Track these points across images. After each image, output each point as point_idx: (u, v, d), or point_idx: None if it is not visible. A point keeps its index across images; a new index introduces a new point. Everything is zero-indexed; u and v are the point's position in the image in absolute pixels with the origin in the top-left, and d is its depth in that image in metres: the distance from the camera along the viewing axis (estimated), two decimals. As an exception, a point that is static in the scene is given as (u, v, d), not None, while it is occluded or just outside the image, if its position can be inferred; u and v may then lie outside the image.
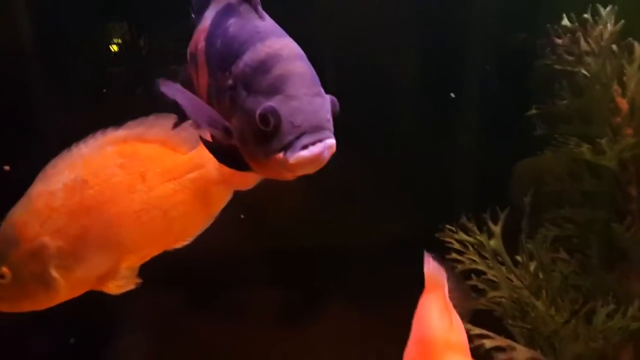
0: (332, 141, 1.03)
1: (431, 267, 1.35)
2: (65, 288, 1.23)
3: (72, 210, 1.24)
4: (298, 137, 1.01)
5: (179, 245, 1.31)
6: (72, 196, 1.24)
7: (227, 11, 1.19)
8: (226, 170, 1.30)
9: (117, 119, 1.34)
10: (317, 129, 1.02)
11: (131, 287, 1.27)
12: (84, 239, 1.24)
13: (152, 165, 1.30)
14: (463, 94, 2.22)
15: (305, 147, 1.01)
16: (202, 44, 1.22)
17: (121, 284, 1.27)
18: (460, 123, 2.27)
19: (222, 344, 2.22)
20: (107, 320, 2.09)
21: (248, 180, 1.33)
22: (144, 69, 2.13)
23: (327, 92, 1.06)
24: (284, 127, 1.02)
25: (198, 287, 2.20)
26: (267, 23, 1.15)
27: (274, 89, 1.05)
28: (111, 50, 2.15)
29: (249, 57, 1.09)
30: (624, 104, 1.84)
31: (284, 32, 1.14)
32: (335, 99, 1.08)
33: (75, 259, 1.23)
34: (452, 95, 2.07)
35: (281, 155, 1.02)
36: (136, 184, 1.27)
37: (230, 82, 1.11)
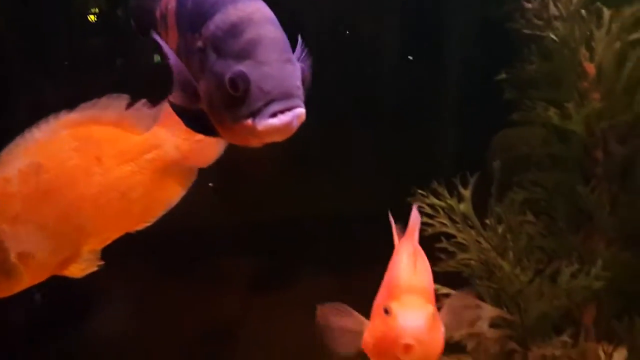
0: (301, 110, 1.01)
1: (413, 217, 1.39)
2: (27, 275, 1.22)
3: (28, 195, 1.22)
4: (267, 104, 1.00)
5: (141, 226, 1.29)
6: (28, 182, 1.22)
7: None
8: (185, 148, 1.29)
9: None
10: (287, 96, 1.01)
11: (94, 269, 1.26)
12: (43, 225, 1.22)
13: (107, 148, 1.28)
14: (437, 62, 2.24)
15: (274, 114, 1.00)
16: (172, 4, 1.20)
17: (83, 267, 1.26)
18: (434, 90, 2.29)
19: (197, 313, 2.24)
20: (81, 294, 2.09)
21: (208, 157, 1.31)
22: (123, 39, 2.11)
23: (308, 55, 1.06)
24: (253, 93, 1.00)
25: (172, 258, 2.21)
26: None
27: (245, 53, 1.03)
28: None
29: (220, 19, 1.07)
30: (591, 68, 1.86)
31: None
32: (305, 67, 1.07)
33: (35, 245, 1.22)
34: (410, 57, 2.07)
35: (249, 121, 1.01)
36: (92, 166, 1.25)
37: (200, 44, 1.09)
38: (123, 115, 1.30)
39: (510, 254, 1.78)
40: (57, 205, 1.23)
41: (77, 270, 1.27)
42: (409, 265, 1.25)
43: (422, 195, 1.96)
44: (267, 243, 2.26)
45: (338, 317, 1.30)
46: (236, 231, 2.24)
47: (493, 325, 1.76)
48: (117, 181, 1.26)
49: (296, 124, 1.02)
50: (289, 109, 1.01)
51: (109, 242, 1.30)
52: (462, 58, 2.22)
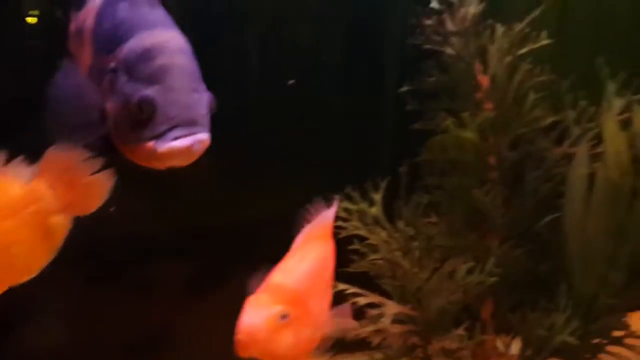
0: (203, 136, 1.07)
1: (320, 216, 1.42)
2: None
3: None
4: (170, 129, 1.05)
5: (23, 280, 1.25)
6: None
7: None
8: (67, 198, 1.26)
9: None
10: (190, 123, 1.06)
11: None
12: None
13: None
14: (353, 69, 2.34)
15: (176, 139, 1.05)
16: (90, 22, 1.24)
17: None
18: (353, 96, 2.39)
19: (130, 320, 2.25)
20: (9, 305, 2.06)
21: (90, 205, 1.28)
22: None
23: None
24: (158, 117, 1.06)
25: (104, 266, 2.21)
26: (158, 12, 1.18)
27: (154, 79, 1.08)
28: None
29: (135, 43, 1.11)
30: (485, 80, 2.01)
31: (173, 24, 1.17)
32: (213, 96, 1.12)
33: None
34: (290, 82, 2.16)
35: (152, 144, 1.06)
36: None
37: (113, 64, 1.13)
38: (1, 170, 1.23)
39: (412, 253, 1.90)
40: None
41: None
42: (283, 263, 1.24)
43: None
44: (197, 248, 2.31)
45: None
46: (166, 237, 2.27)
47: (397, 321, 1.87)
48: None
49: (197, 149, 1.08)
50: (192, 135, 1.06)
51: None
52: (372, 68, 2.34)
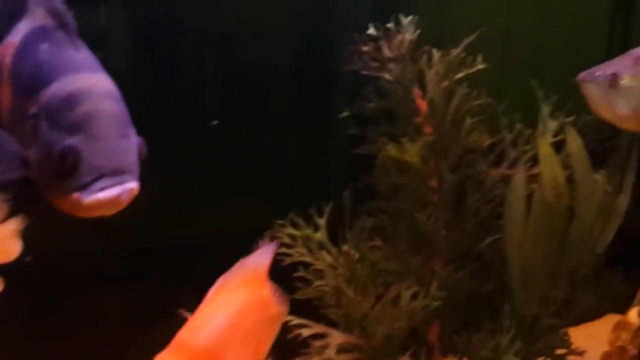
0: (132, 185, 1.03)
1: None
2: None
3: None
4: (96, 179, 1.01)
5: None
6: None
7: (42, 33, 1.14)
8: None
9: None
10: (118, 172, 1.02)
11: None
12: None
13: None
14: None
15: (102, 189, 1.01)
16: (9, 60, 1.15)
17: None
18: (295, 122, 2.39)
19: (69, 354, 2.18)
20: None
21: (9, 253, 1.19)
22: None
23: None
24: (83, 167, 1.01)
25: (38, 296, 2.14)
26: (82, 55, 1.12)
27: (79, 127, 1.02)
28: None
29: (58, 88, 1.05)
30: (424, 105, 2.03)
31: (99, 67, 1.12)
32: (143, 141, 1.07)
33: None
34: (214, 122, 2.16)
35: (77, 195, 1.01)
36: None
37: (34, 109, 1.07)
38: None
39: (357, 280, 1.90)
40: None
41: None
42: (193, 317, 1.14)
43: (282, 226, 2.04)
44: (132, 273, 2.24)
45: None
46: (106, 261, 2.19)
47: (343, 350, 1.86)
48: None
49: (125, 198, 1.03)
50: (119, 184, 1.02)
51: None
52: (313, 94, 2.34)
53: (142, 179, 1.17)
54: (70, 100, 1.05)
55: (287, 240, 2.01)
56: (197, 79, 2.25)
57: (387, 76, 2.00)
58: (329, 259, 2.00)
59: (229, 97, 2.30)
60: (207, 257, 2.31)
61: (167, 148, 1.91)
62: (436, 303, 1.89)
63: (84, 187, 1.02)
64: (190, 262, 2.28)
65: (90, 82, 1.08)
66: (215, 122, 2.14)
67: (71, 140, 1.02)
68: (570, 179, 1.92)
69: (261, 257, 1.30)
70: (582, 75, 1.74)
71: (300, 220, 2.02)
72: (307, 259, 2.03)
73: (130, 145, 1.06)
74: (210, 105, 2.29)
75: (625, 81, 1.64)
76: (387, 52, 2.00)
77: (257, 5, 2.24)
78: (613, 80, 1.64)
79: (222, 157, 2.26)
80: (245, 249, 1.51)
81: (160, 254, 2.26)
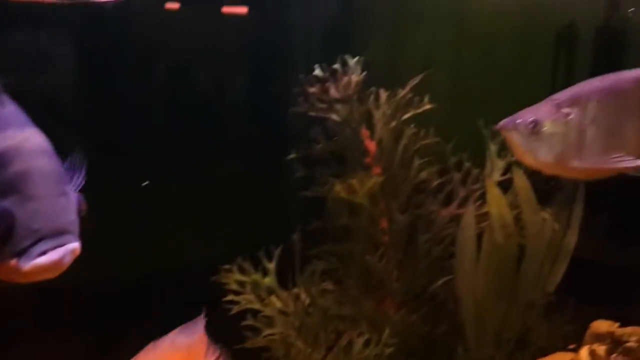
0: (73, 245, 0.97)
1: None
2: None
3: None
4: (35, 243, 0.95)
5: None
6: None
7: None
8: None
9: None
10: (57, 233, 0.96)
11: None
12: None
13: None
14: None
15: (42, 253, 0.95)
16: None
17: None
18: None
19: None
20: None
21: None
22: None
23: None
24: (19, 232, 0.94)
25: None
26: (9, 110, 1.06)
27: (11, 188, 0.96)
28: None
29: None
30: (372, 145, 2.02)
31: (28, 121, 1.05)
32: (81, 197, 1.01)
33: None
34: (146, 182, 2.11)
35: (14, 261, 0.94)
36: None
37: None
38: None
39: (307, 328, 1.84)
40: None
41: None
42: None
43: (228, 271, 1.97)
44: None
45: None
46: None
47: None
48: None
49: (68, 260, 0.96)
50: (60, 246, 0.96)
51: None
52: (260, 135, 2.31)
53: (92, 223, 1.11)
54: (0, 160, 0.98)
55: (234, 286, 1.97)
56: (143, 120, 2.20)
57: (334, 117, 1.99)
58: (278, 304, 1.94)
59: (176, 138, 2.25)
60: (145, 304, 2.24)
61: (111, 188, 1.88)
62: (389, 350, 1.85)
63: (22, 253, 0.95)
64: (127, 309, 2.19)
65: (20, 138, 1.01)
66: (146, 183, 2.08)
67: (4, 203, 0.95)
68: (518, 218, 1.92)
69: (194, 326, 1.29)
70: (503, 122, 1.66)
71: (248, 265, 1.97)
72: (256, 306, 1.97)
73: (68, 203, 1.00)
74: (156, 146, 2.24)
75: (546, 128, 1.63)
76: (334, 93, 1.98)
77: (205, 49, 2.21)
78: (534, 127, 1.61)
79: (168, 198, 2.20)
80: (190, 294, 1.46)
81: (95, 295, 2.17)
